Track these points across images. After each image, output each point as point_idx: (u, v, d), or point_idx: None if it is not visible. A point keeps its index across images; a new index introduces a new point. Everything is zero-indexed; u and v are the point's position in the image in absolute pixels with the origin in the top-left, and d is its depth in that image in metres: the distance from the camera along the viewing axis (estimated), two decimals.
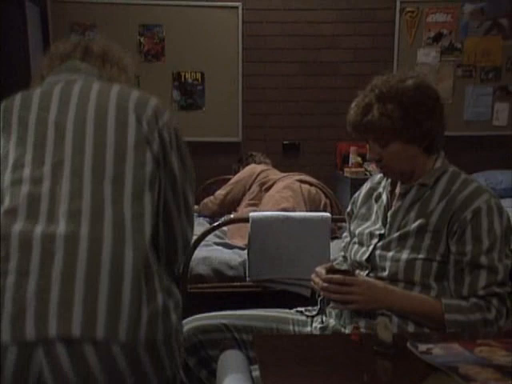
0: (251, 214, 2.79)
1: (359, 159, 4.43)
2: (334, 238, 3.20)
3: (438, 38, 4.72)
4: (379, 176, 1.87)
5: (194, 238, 3.04)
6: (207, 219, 4.03)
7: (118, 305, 1.15)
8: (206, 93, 4.68)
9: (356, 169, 4.34)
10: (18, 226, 1.20)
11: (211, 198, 4.08)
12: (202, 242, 2.80)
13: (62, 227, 1.20)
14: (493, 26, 4.71)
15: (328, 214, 2.86)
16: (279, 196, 3.45)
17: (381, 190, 1.83)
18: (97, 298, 1.14)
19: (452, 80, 4.77)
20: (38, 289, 1.14)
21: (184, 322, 1.86)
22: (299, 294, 2.78)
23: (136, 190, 1.29)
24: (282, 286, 2.79)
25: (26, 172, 1.26)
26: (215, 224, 2.89)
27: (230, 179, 4.09)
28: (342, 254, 1.97)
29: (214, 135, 4.71)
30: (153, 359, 1.19)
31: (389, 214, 1.73)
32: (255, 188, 3.80)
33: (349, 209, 1.96)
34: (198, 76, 4.66)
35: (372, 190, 1.87)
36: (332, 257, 2.78)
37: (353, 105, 1.73)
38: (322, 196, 3.56)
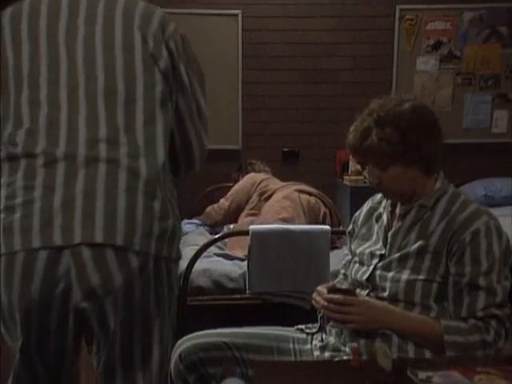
0: (251, 227, 2.80)
1: (359, 167, 4.42)
2: (333, 247, 3.21)
3: (437, 45, 4.73)
4: (380, 196, 1.88)
5: (195, 249, 3.05)
6: (207, 228, 4.04)
7: (134, 219, 1.30)
8: (205, 100, 4.66)
9: (355, 177, 4.35)
10: (40, 147, 1.31)
11: (215, 206, 4.08)
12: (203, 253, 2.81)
13: (81, 151, 1.32)
14: (492, 34, 4.71)
15: (327, 227, 2.87)
16: (278, 206, 3.46)
17: (381, 210, 1.84)
18: (116, 211, 1.29)
19: (451, 88, 4.77)
20: (64, 202, 1.28)
21: (184, 339, 1.88)
22: (299, 306, 2.79)
23: (147, 114, 1.39)
24: (282, 298, 2.80)
25: (43, 93, 1.35)
26: (216, 237, 2.90)
27: (230, 187, 4.11)
28: (343, 271, 1.98)
29: (214, 143, 4.63)
30: (156, 271, 1.35)
31: (389, 234, 1.74)
32: (255, 197, 3.80)
33: (350, 228, 1.97)
34: None
35: (373, 209, 1.88)
36: (332, 269, 2.79)
37: (351, 129, 1.74)
38: (322, 206, 3.57)
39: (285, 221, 3.28)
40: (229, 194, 3.99)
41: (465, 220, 1.60)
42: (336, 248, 3.33)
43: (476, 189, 4.54)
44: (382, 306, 1.64)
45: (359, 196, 4.32)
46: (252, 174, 4.08)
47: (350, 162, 4.48)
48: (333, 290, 1.67)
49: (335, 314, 1.64)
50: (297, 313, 2.78)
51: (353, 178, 4.37)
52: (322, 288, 1.72)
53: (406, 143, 1.63)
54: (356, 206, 4.08)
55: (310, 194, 3.61)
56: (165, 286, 1.40)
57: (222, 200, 4.09)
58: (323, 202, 3.60)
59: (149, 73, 1.41)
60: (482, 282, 1.55)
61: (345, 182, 4.46)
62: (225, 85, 4.68)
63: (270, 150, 4.76)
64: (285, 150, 4.81)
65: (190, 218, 4.30)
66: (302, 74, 4.74)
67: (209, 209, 4.11)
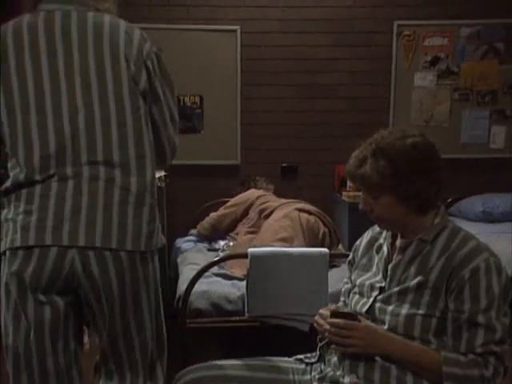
0: (250, 250, 2.82)
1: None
2: (332, 266, 3.22)
3: (434, 61, 4.74)
4: None
5: (193, 268, 3.07)
6: (205, 244, 4.06)
7: (125, 227, 1.66)
8: (204, 116, 4.70)
9: (354, 193, 4.36)
10: (53, 169, 1.64)
11: (207, 218, 4.13)
12: None
13: (85, 171, 1.65)
14: (489, 50, 4.73)
15: (326, 250, 2.88)
16: (278, 225, 3.47)
17: (382, 240, 1.85)
18: (111, 220, 1.65)
19: (449, 103, 4.79)
20: (72, 210, 1.63)
21: (184, 371, 1.88)
22: (298, 328, 2.80)
23: (136, 134, 1.70)
24: (280, 321, 2.82)
25: (50, 119, 1.64)
26: (215, 259, 2.92)
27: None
28: (343, 298, 1.99)
29: (213, 158, 4.73)
30: (143, 260, 1.72)
31: (389, 267, 1.75)
32: (254, 215, 3.82)
33: (350, 257, 1.98)
34: (197, 99, 4.68)
35: (373, 239, 1.90)
36: (330, 290, 2.81)
37: (353, 155, 1.75)
38: (321, 225, 3.58)
39: (284, 241, 3.30)
40: (222, 207, 4.05)
41: (464, 256, 1.61)
42: (335, 266, 3.34)
43: (474, 205, 4.55)
44: (382, 333, 1.66)
45: (357, 212, 4.30)
46: (251, 191, 4.11)
47: None
48: (335, 313, 1.70)
49: (336, 338, 1.67)
50: (295, 335, 2.80)
51: (351, 194, 4.38)
52: (324, 311, 1.76)
53: (398, 177, 1.64)
54: (354, 222, 4.17)
55: (309, 212, 3.63)
56: (150, 266, 1.76)
57: (212, 213, 4.14)
58: (323, 222, 3.61)
59: (133, 96, 1.70)
60: (481, 319, 1.56)
61: (343, 197, 4.47)
62: (224, 100, 4.70)
63: (268, 166, 4.78)
64: (283, 165, 4.83)
65: (187, 235, 4.34)
66: (299, 90, 4.75)
67: (198, 226, 4.18)
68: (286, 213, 3.59)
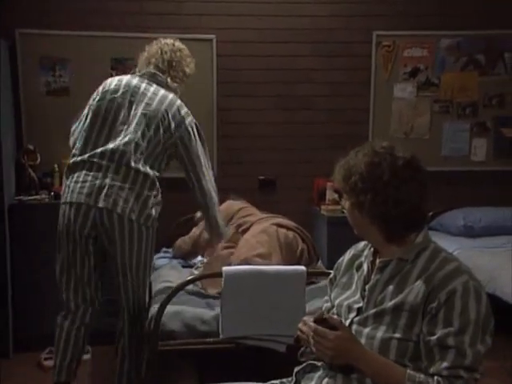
0: (224, 269, 2.77)
1: (336, 196, 4.41)
2: (310, 283, 3.17)
3: (414, 72, 4.76)
4: (363, 244, 1.89)
5: (167, 286, 3.00)
6: (181, 261, 4.00)
7: (128, 202, 2.82)
8: None
9: (333, 206, 4.34)
10: (97, 159, 2.87)
11: (185, 238, 4.06)
12: None
13: (112, 165, 2.85)
14: (469, 62, 4.76)
15: (303, 268, 2.84)
16: (255, 241, 3.43)
17: (363, 258, 1.84)
18: (121, 196, 2.82)
19: (429, 115, 4.80)
20: (99, 186, 2.81)
21: None
22: (274, 350, 2.76)
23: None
24: (256, 342, 2.77)
25: (99, 149, 2.88)
26: (188, 279, 2.87)
27: None
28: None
29: None
30: (138, 226, 2.86)
31: (367, 287, 1.73)
32: (232, 229, 3.77)
33: (332, 275, 1.97)
34: None
35: (355, 257, 1.89)
36: (308, 309, 2.77)
37: (339, 164, 1.77)
38: (300, 241, 3.55)
39: (260, 257, 3.26)
40: (200, 223, 3.97)
41: (443, 278, 1.59)
42: (313, 283, 3.29)
43: (455, 218, 4.56)
44: (355, 347, 1.62)
45: (336, 226, 4.36)
46: (228, 202, 4.05)
47: (327, 191, 4.46)
48: (318, 319, 1.67)
49: (311, 341, 1.65)
50: (271, 356, 2.77)
51: (330, 207, 4.36)
52: (308, 318, 1.73)
53: (372, 194, 1.66)
54: (333, 236, 4.16)
55: (288, 228, 3.59)
56: (140, 229, 2.88)
57: (193, 229, 4.06)
58: (301, 238, 3.58)
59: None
60: (451, 341, 1.53)
61: (322, 211, 4.44)
62: (199, 112, 4.59)
63: (245, 178, 4.74)
64: (261, 178, 4.79)
65: (164, 249, 4.28)
66: (278, 101, 4.73)
67: (178, 241, 4.10)
68: (264, 228, 3.55)
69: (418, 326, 1.59)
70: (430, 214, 4.54)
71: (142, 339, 2.90)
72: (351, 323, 1.72)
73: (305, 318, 1.73)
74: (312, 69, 4.72)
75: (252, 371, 2.05)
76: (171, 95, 3.00)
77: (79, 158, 2.88)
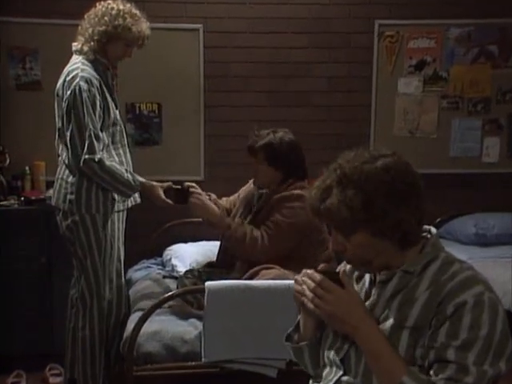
0: (207, 284, 2.69)
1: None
2: None
3: (420, 65, 4.70)
4: None
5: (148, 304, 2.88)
6: (160, 270, 3.92)
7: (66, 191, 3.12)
8: (163, 126, 4.57)
9: None
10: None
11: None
12: None
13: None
14: (481, 54, 4.70)
15: (293, 282, 2.73)
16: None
17: None
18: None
19: (436, 112, 4.74)
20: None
21: None
22: (264, 375, 2.67)
23: None
24: (243, 366, 2.73)
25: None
26: (168, 295, 2.77)
27: (189, 222, 4.13)
28: None
29: (173, 173, 4.54)
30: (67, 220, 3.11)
31: (367, 304, 1.61)
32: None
33: None
34: (155, 107, 4.55)
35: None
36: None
37: (315, 185, 1.60)
38: None
39: None
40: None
41: (451, 288, 1.46)
42: None
43: (465, 225, 4.51)
44: (361, 312, 1.53)
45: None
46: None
47: None
48: (322, 271, 1.58)
49: (308, 292, 1.56)
50: (260, 382, 2.70)
51: None
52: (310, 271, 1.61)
53: (369, 209, 1.49)
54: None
55: None
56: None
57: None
58: None
59: None
60: (450, 355, 1.40)
61: None
62: (185, 109, 4.59)
63: (234, 181, 4.63)
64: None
65: (147, 258, 4.25)
66: (270, 97, 4.67)
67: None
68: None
69: (422, 348, 1.47)
70: (438, 220, 4.47)
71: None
72: (350, 348, 1.60)
73: (308, 271, 1.61)
74: (308, 62, 4.65)
75: None
76: None
77: None
